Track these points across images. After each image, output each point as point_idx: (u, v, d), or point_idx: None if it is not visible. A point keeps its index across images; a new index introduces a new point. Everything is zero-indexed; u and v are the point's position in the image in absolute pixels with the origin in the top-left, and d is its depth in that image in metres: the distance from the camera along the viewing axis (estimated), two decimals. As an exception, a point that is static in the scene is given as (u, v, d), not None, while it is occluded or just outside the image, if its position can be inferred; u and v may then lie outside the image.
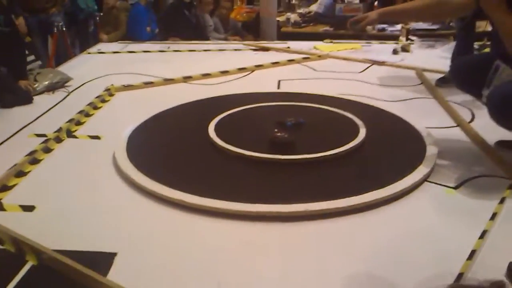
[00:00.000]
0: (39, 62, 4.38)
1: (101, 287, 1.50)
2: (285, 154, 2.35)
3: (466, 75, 2.44)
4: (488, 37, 4.01)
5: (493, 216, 1.88)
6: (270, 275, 1.60)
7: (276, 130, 2.52)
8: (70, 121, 2.90)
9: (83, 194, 2.14)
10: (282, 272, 1.62)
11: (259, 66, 4.17)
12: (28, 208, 2.00)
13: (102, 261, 1.65)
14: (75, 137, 2.75)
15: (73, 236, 1.81)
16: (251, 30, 6.30)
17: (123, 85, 3.64)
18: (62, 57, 4.97)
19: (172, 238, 1.81)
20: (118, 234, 1.83)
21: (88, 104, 3.21)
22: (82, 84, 3.75)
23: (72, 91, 3.61)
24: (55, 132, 2.73)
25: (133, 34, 5.20)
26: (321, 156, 2.33)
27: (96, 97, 3.36)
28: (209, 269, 1.63)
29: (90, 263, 1.58)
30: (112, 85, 3.60)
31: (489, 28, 3.43)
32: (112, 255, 1.68)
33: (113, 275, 1.57)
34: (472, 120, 2.91)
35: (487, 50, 3.74)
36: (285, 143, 2.44)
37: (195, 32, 5.50)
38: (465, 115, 2.96)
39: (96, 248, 1.73)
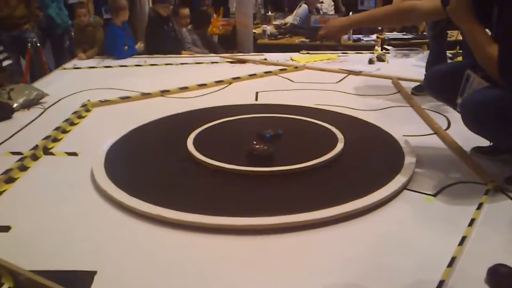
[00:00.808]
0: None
1: (81, 307, 1.47)
2: (264, 166, 2.35)
3: (440, 84, 2.48)
4: (460, 45, 4.10)
5: (471, 222, 1.90)
6: (252, 289, 1.59)
7: (254, 142, 2.52)
8: (46, 138, 2.85)
9: (60, 212, 2.10)
10: (262, 285, 1.61)
11: (236, 79, 4.17)
12: (4, 229, 1.95)
13: (81, 280, 1.62)
14: (52, 154, 2.71)
15: (51, 255, 1.77)
16: (227, 43, 6.32)
17: (100, 101, 3.60)
18: (37, 73, 4.91)
19: (152, 254, 1.79)
20: (97, 252, 1.80)
21: (65, 121, 3.17)
22: (58, 100, 3.70)
23: (48, 107, 3.56)
24: (31, 149, 2.68)
25: (110, 53, 5.16)
26: (300, 168, 2.33)
27: (73, 113, 3.32)
28: (191, 285, 1.61)
29: (69, 283, 1.56)
30: (88, 100, 3.56)
31: (461, 37, 3.51)
32: (92, 274, 1.65)
33: (93, 295, 1.55)
34: (448, 127, 2.96)
35: (460, 58, 3.82)
36: (264, 155, 2.44)
37: (175, 46, 5.49)
38: (442, 122, 3.00)
39: (75, 267, 1.70)
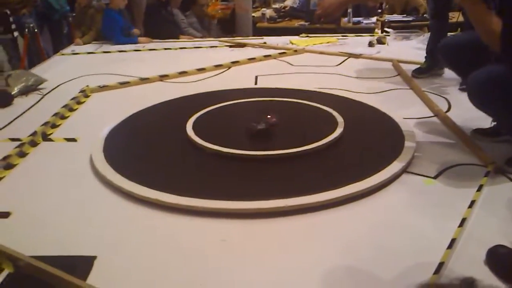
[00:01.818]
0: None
1: (81, 292, 1.47)
2: (264, 146, 2.34)
3: (454, 54, 2.47)
4: (461, 27, 4.06)
5: (472, 204, 1.90)
6: (248, 273, 1.59)
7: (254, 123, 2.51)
8: (45, 124, 2.84)
9: (60, 198, 2.10)
10: (261, 269, 1.61)
11: (235, 63, 4.15)
12: (4, 215, 1.95)
13: (81, 265, 1.62)
14: (50, 140, 2.70)
15: (50, 241, 1.78)
16: (227, 27, 6.27)
17: (99, 86, 3.59)
18: (35, 59, 4.88)
19: (152, 239, 1.79)
20: (97, 237, 1.80)
21: (64, 106, 3.16)
22: (57, 86, 3.68)
23: (47, 93, 3.54)
24: (29, 136, 2.67)
25: (109, 38, 5.11)
26: (300, 151, 2.33)
27: (72, 99, 3.31)
28: (190, 269, 1.61)
29: (69, 268, 1.55)
30: (87, 86, 3.54)
31: (462, 19, 3.48)
32: (92, 259, 1.66)
33: (93, 279, 1.55)
34: (448, 109, 2.94)
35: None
36: (260, 131, 2.45)
37: (173, 30, 5.44)
38: (442, 104, 2.98)
39: (75, 252, 1.70)
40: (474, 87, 2.10)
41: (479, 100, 2.11)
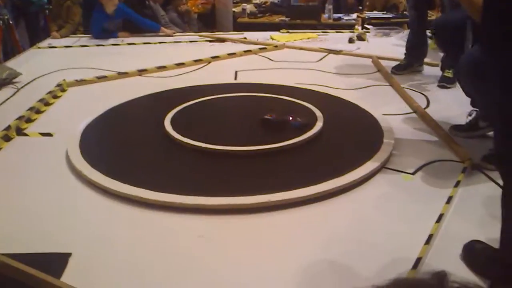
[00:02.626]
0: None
1: (55, 290, 1.44)
2: (243, 142, 2.33)
3: (447, 34, 2.49)
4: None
5: (449, 199, 1.91)
6: (227, 268, 1.58)
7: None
8: (19, 118, 2.78)
9: (34, 193, 2.05)
10: (240, 264, 1.60)
11: (215, 58, 4.12)
12: (-25, 211, 1.91)
13: (56, 262, 1.59)
14: (25, 135, 2.65)
15: (24, 238, 1.74)
16: (207, 22, 6.22)
17: (76, 80, 3.52)
18: (10, 52, 4.78)
19: (128, 235, 1.76)
20: (72, 234, 1.77)
21: (39, 101, 3.09)
22: (32, 80, 3.61)
23: (22, 87, 3.47)
24: (3, 130, 2.61)
25: (90, 31, 5.03)
26: (279, 147, 2.32)
27: (48, 93, 3.24)
28: (167, 266, 1.59)
29: (42, 266, 1.52)
30: (64, 80, 3.48)
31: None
32: (66, 256, 1.62)
33: (67, 277, 1.52)
34: (427, 106, 2.96)
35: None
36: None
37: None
38: (421, 101, 3.00)
39: (50, 250, 1.67)
40: (461, 69, 2.12)
41: (463, 82, 2.13)
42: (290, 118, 2.55)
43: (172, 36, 5.07)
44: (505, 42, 1.27)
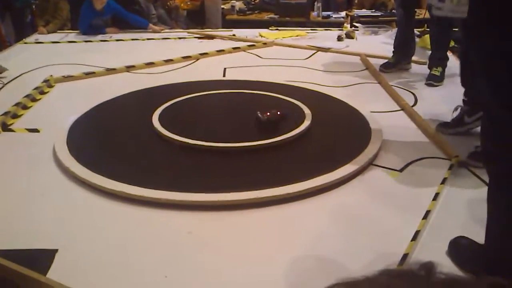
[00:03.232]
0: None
1: (41, 287, 1.42)
2: (232, 138, 2.33)
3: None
4: (428, 24, 4.11)
5: (436, 196, 1.92)
6: (216, 265, 1.58)
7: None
8: (5, 114, 2.75)
9: (21, 190, 2.04)
10: (228, 261, 1.60)
11: (204, 54, 4.11)
12: (-40, 207, 1.89)
13: (42, 259, 1.58)
14: (11, 130, 2.62)
15: (10, 234, 1.73)
16: (196, 19, 6.20)
17: (63, 76, 3.50)
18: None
19: (116, 231, 1.76)
20: (59, 230, 1.76)
21: (26, 96, 3.06)
22: (19, 76, 3.57)
23: (8, 82, 3.43)
24: (-11, 126, 2.59)
25: (78, 27, 4.99)
26: (268, 143, 2.32)
27: (34, 89, 3.21)
28: (155, 262, 1.59)
29: (28, 262, 1.50)
30: (51, 76, 3.45)
31: (428, 16, 3.52)
32: (53, 252, 1.61)
33: (53, 273, 1.51)
34: (415, 103, 2.98)
35: (427, 36, 3.84)
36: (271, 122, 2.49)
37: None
38: (409, 99, 3.02)
39: (36, 246, 1.65)
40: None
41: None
42: (278, 113, 2.54)
43: (160, 32, 5.04)
44: (489, 27, 1.27)
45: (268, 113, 2.53)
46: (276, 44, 4.56)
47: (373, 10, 6.22)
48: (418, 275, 0.40)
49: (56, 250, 1.62)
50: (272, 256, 1.61)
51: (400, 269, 0.38)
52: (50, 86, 3.35)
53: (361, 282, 0.38)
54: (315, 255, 1.61)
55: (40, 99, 3.13)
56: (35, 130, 2.61)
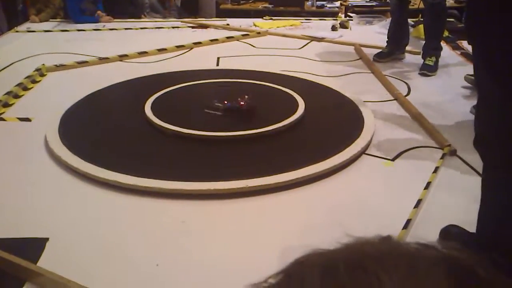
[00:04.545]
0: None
1: (32, 275, 1.42)
2: (225, 128, 2.32)
3: None
4: (422, 13, 4.11)
5: (427, 185, 1.93)
6: (207, 253, 1.58)
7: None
8: (-4, 102, 2.73)
9: (12, 179, 2.03)
10: (219, 250, 1.60)
11: (197, 44, 4.09)
12: (-49, 196, 1.87)
13: (33, 247, 1.57)
14: (2, 119, 2.60)
15: (1, 223, 1.71)
16: (190, 8, 6.16)
17: (55, 65, 3.47)
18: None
19: (109, 220, 1.75)
20: (50, 218, 1.75)
21: (17, 85, 3.04)
22: (10, 64, 3.54)
23: (-1, 71, 3.41)
24: (-20, 115, 2.57)
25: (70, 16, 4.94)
26: (260, 132, 2.31)
27: (26, 78, 3.19)
28: (146, 250, 1.59)
29: (19, 251, 1.50)
30: (43, 64, 3.42)
31: (423, 5, 3.51)
32: (44, 241, 1.61)
33: (44, 262, 1.50)
34: (408, 93, 2.98)
35: (421, 26, 3.83)
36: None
37: (135, 11, 5.31)
38: (402, 88, 3.02)
39: (27, 235, 1.65)
40: None
41: None
42: (242, 102, 2.50)
43: (108, 22, 4.93)
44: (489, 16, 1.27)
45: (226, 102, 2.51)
46: (270, 34, 4.54)
47: (368, 0, 6.21)
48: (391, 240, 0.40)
49: (47, 239, 1.61)
50: (266, 245, 1.61)
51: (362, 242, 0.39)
52: (42, 75, 3.33)
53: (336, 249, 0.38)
54: (307, 244, 1.60)
55: (31, 88, 3.11)
56: (27, 119, 2.59)
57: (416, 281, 0.32)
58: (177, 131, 2.32)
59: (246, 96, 2.51)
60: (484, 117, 1.36)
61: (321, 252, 0.39)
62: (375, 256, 0.35)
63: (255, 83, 3.02)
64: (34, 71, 3.32)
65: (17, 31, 4.62)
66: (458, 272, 0.33)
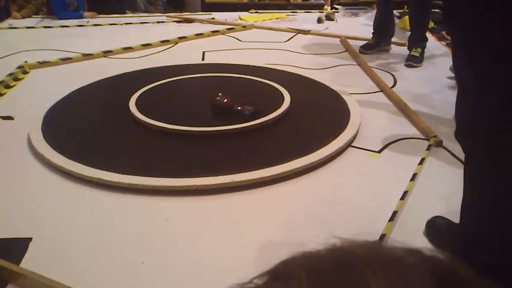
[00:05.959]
0: None
1: (14, 276, 1.40)
2: (210, 122, 2.30)
3: None
4: (407, 4, 4.11)
5: (413, 177, 1.93)
6: (192, 251, 1.56)
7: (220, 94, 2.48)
8: (-22, 101, 2.69)
9: (-6, 178, 2.00)
10: (204, 246, 1.58)
11: (182, 38, 4.05)
12: None
13: (15, 248, 1.55)
14: (-16, 118, 2.57)
15: (-18, 224, 1.69)
16: (175, 2, 6.12)
17: (39, 62, 3.42)
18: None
19: (93, 219, 1.73)
20: (33, 218, 1.73)
21: (-1, 83, 3.00)
22: (-8, 62, 3.49)
23: (-20, 69, 3.35)
24: (-39, 113, 2.53)
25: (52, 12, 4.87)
26: (245, 127, 2.30)
27: (8, 75, 3.13)
28: (131, 248, 1.57)
29: (1, 251, 1.48)
30: (26, 62, 3.37)
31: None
32: (27, 241, 1.58)
33: (27, 263, 1.48)
34: (394, 85, 2.98)
35: (407, 17, 3.83)
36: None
37: (118, 7, 5.26)
38: (388, 80, 3.01)
39: (9, 235, 1.62)
40: None
41: None
42: (239, 108, 2.43)
43: (92, 18, 4.89)
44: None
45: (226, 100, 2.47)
46: (256, 27, 4.51)
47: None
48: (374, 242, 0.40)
49: (30, 239, 1.59)
50: (251, 240, 1.60)
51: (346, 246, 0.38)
52: (25, 73, 3.28)
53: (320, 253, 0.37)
54: (293, 238, 1.60)
55: (14, 85, 3.06)
56: (9, 118, 2.55)
57: (403, 283, 0.32)
58: (162, 127, 2.29)
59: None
60: (464, 108, 1.35)
61: (308, 252, 0.38)
62: (363, 256, 0.35)
63: (241, 77, 3.00)
64: (17, 68, 3.27)
65: (-2, 28, 4.55)
66: (441, 274, 0.33)
